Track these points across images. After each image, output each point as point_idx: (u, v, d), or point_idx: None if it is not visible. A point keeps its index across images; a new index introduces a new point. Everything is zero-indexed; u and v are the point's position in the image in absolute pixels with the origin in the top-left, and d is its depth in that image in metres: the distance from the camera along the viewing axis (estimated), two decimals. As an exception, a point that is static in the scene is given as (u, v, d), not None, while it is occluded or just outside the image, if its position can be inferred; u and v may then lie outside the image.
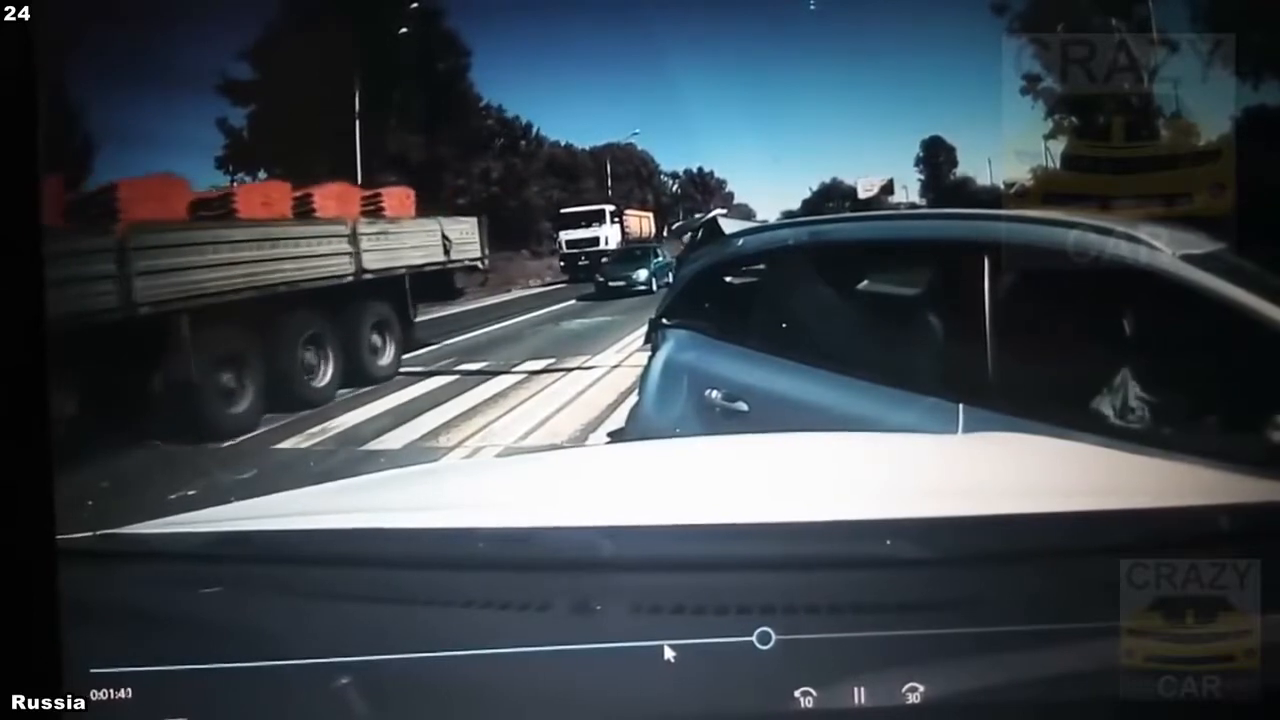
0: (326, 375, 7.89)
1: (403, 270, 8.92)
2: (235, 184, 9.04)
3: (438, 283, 9.55)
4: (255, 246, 7.33)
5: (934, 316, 2.41)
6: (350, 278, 8.28)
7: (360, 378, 8.21)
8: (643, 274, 10.86)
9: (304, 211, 8.64)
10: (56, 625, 1.04)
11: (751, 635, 0.97)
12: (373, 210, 9.36)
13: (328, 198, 8.94)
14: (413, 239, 9.20)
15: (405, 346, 8.95)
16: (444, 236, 9.49)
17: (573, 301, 11.34)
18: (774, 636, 0.96)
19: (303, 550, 1.16)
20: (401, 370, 8.67)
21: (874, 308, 2.61)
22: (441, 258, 9.48)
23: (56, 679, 1.01)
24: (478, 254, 10.10)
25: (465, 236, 9.87)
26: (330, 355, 7.92)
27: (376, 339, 8.62)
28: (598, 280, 11.10)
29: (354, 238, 8.38)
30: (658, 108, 10.92)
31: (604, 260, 11.53)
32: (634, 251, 11.63)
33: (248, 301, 6.99)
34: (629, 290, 10.79)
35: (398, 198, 9.80)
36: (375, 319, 8.61)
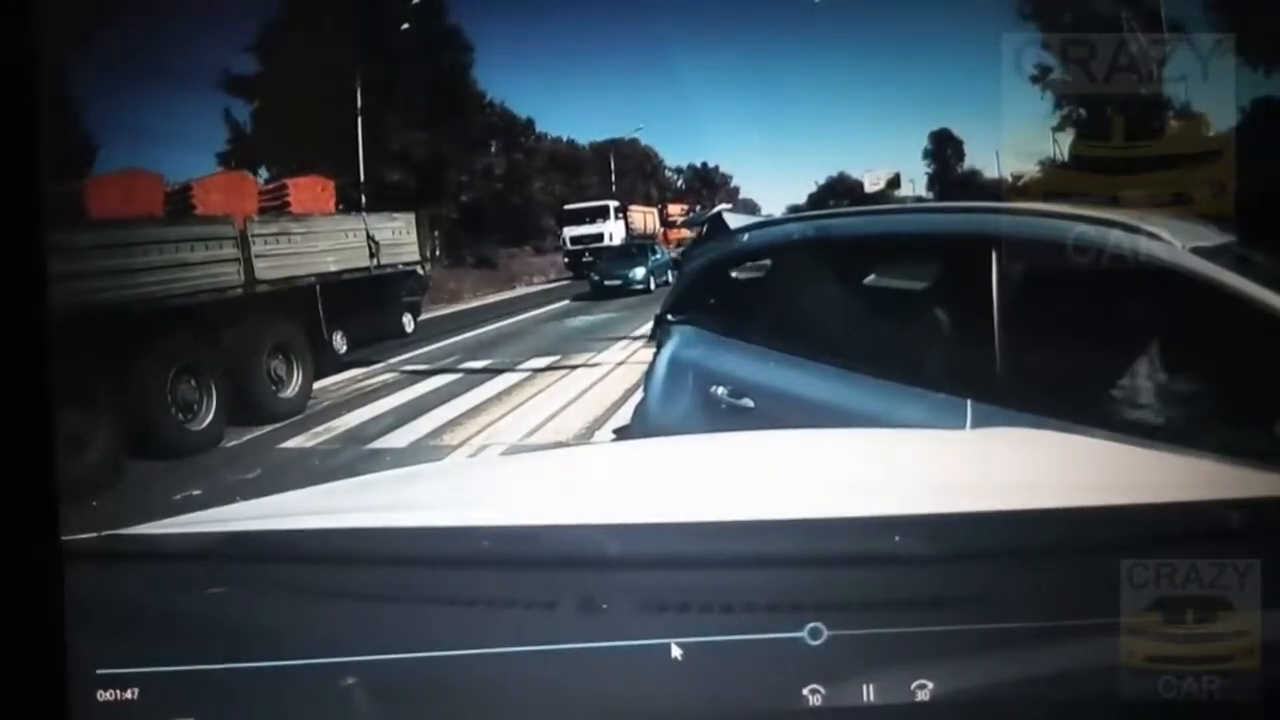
0: (206, 414, 6.42)
1: (312, 279, 7.44)
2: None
3: (368, 295, 8.03)
4: (105, 254, 5.87)
5: (942, 311, 2.40)
6: (238, 290, 6.81)
7: (256, 414, 6.81)
8: (640, 272, 10.79)
9: (181, 208, 7.29)
10: (62, 626, 1.04)
11: (775, 633, 0.96)
12: (274, 206, 7.92)
13: (212, 191, 7.54)
14: (325, 240, 7.67)
15: (319, 372, 7.48)
16: (369, 238, 7.98)
17: (577, 299, 11.33)
18: (825, 632, 0.96)
19: (308, 550, 1.16)
20: (404, 370, 8.53)
21: (881, 303, 2.60)
22: (366, 263, 7.97)
23: (62, 680, 1.01)
24: (416, 257, 8.62)
25: (398, 237, 8.35)
26: (212, 389, 6.43)
27: (278, 366, 7.09)
28: (593, 279, 11.03)
29: (243, 240, 6.90)
30: (661, 103, 10.90)
31: (599, 258, 11.45)
32: (631, 249, 11.58)
33: (96, 324, 5.33)
34: (626, 289, 10.71)
35: (309, 190, 8.22)
36: (275, 341, 7.04)
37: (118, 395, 5.73)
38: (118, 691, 1.00)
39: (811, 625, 0.96)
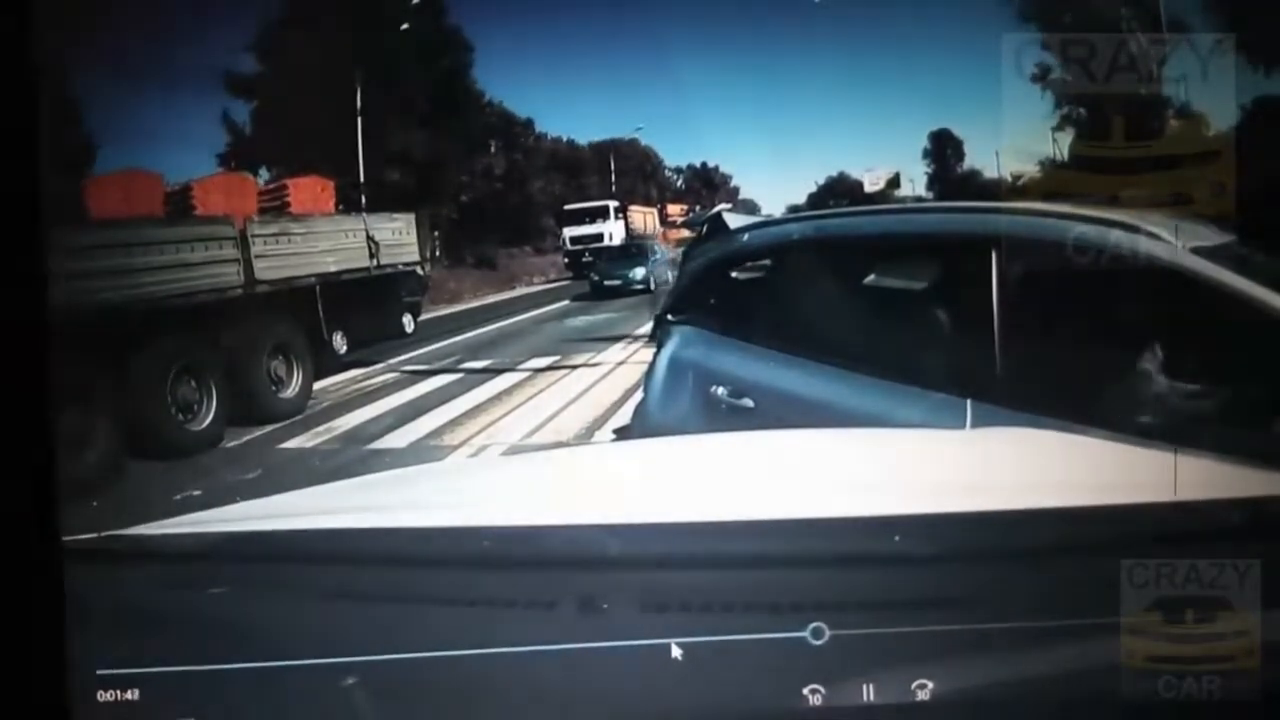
0: (207, 415, 6.38)
1: (312, 280, 7.43)
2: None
3: (368, 295, 7.98)
4: (105, 254, 5.81)
5: (942, 311, 2.40)
6: (238, 290, 6.80)
7: (256, 414, 6.78)
8: (640, 272, 10.79)
9: (181, 209, 7.34)
10: (62, 626, 1.04)
11: (777, 633, 0.96)
12: (274, 206, 7.94)
13: (212, 192, 7.59)
14: (325, 241, 7.64)
15: (319, 373, 7.46)
16: (369, 238, 7.95)
17: (577, 299, 11.32)
18: (827, 632, 0.96)
19: (309, 550, 1.16)
20: (404, 370, 8.51)
21: (881, 302, 2.60)
22: (366, 263, 7.95)
23: (63, 681, 1.01)
24: (416, 257, 8.63)
25: (398, 237, 8.34)
26: (212, 389, 6.39)
27: (278, 366, 7.05)
28: (593, 279, 11.04)
29: (243, 241, 6.88)
30: (661, 103, 10.90)
31: (599, 258, 11.46)
32: (630, 249, 11.58)
33: (96, 324, 5.28)
34: (626, 289, 10.72)
35: (308, 191, 8.23)
36: (275, 342, 7.02)
37: (118, 396, 5.71)
38: (118, 692, 1.00)
39: (814, 625, 0.96)
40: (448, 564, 1.09)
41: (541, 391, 7.50)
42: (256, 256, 6.98)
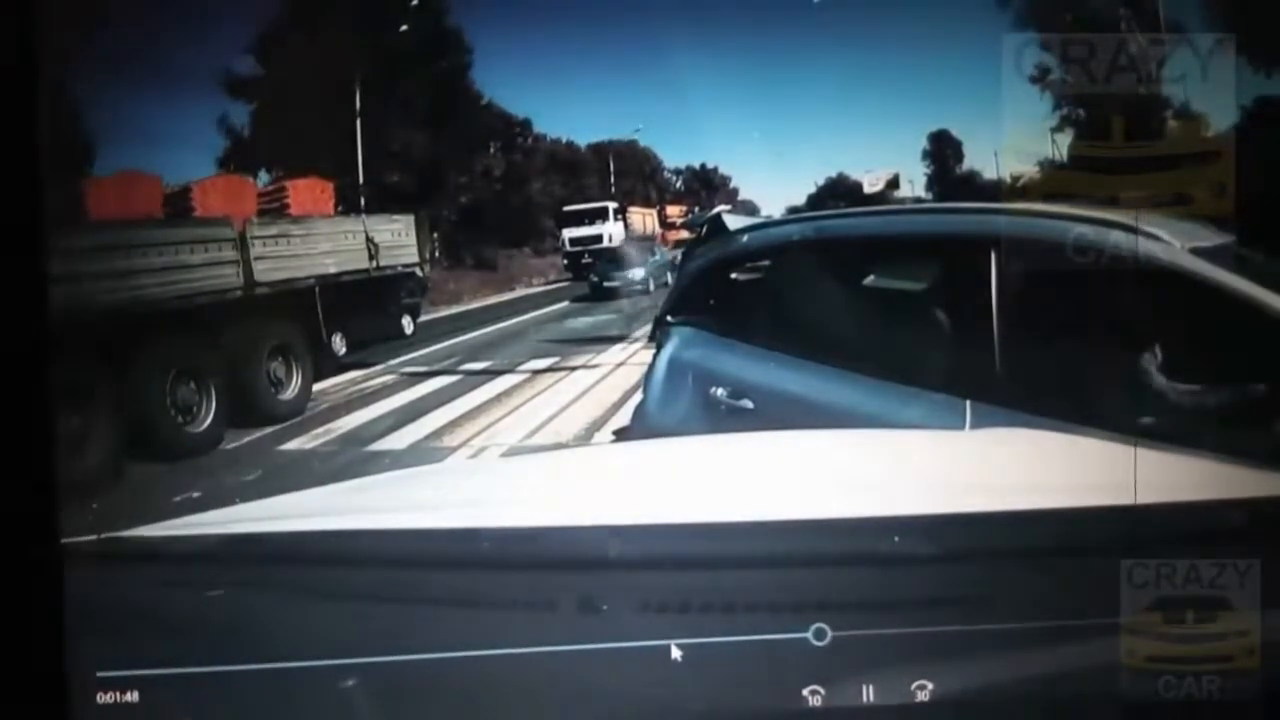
0: (206, 416, 6.41)
1: (311, 281, 7.46)
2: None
3: (368, 297, 8.04)
4: (105, 256, 5.84)
5: (941, 312, 2.41)
6: (237, 292, 6.83)
7: (256, 416, 6.80)
8: (639, 273, 10.79)
9: (180, 211, 7.42)
10: (62, 629, 1.04)
11: (779, 634, 0.96)
12: (273, 208, 8.02)
13: (211, 194, 7.66)
14: (325, 243, 7.68)
15: (318, 374, 7.50)
16: (369, 239, 7.97)
17: (576, 300, 11.32)
18: (830, 633, 0.96)
19: (308, 551, 1.16)
20: (404, 372, 8.49)
21: (880, 303, 2.60)
22: (365, 265, 7.98)
23: (63, 683, 1.01)
24: (415, 259, 8.65)
25: (398, 239, 8.38)
26: (211, 391, 6.42)
27: (277, 368, 7.10)
28: (591, 280, 11.04)
29: (243, 242, 6.90)
30: (661, 104, 10.88)
31: (598, 259, 11.44)
32: (629, 250, 11.56)
33: (96, 326, 5.31)
34: (625, 291, 10.71)
35: (308, 192, 8.30)
36: (274, 343, 7.05)
37: (117, 397, 5.71)
38: (118, 694, 1.00)
39: (816, 626, 0.96)
40: (447, 565, 1.09)
41: (541, 393, 7.49)
42: (256, 258, 6.98)
